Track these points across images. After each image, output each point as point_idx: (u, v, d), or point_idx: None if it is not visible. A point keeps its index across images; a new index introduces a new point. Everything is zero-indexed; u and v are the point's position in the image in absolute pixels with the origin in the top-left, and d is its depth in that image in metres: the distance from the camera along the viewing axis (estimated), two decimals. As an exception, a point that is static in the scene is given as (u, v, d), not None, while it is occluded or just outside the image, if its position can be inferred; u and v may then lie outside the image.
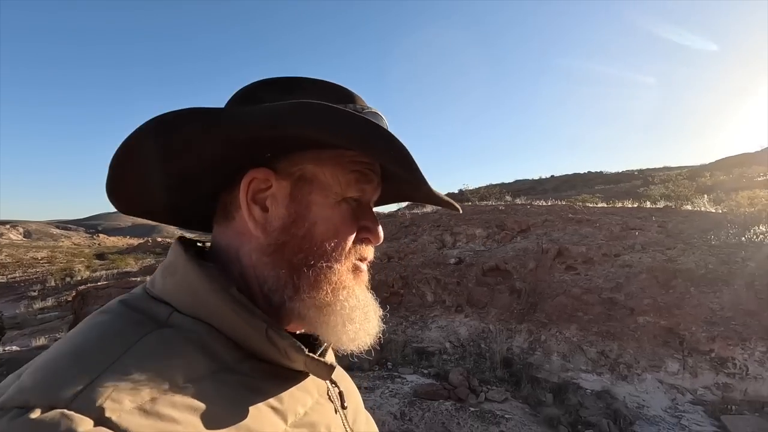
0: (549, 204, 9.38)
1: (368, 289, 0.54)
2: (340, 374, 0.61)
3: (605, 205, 10.25)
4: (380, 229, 0.54)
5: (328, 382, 0.54)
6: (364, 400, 0.65)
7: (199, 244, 0.55)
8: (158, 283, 0.47)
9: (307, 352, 0.46)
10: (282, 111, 0.43)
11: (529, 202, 10.46)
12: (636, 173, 51.63)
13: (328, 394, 0.54)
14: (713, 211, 8.51)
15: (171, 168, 0.48)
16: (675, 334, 4.79)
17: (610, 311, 5.34)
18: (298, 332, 0.53)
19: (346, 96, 0.52)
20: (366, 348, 0.51)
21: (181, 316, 0.43)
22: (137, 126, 0.43)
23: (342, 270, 0.50)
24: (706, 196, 10.62)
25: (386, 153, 0.45)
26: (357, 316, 0.50)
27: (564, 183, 53.34)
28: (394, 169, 0.47)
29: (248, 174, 0.48)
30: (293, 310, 0.48)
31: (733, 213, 7.90)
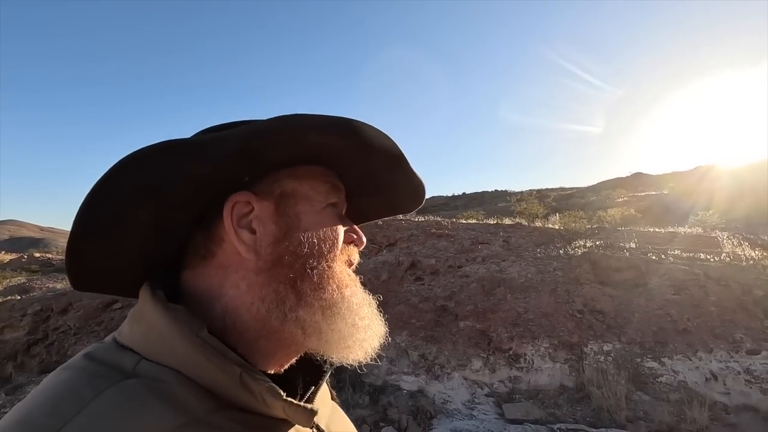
0: (419, 220, 10.08)
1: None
2: (335, 418, 0.57)
3: (476, 221, 11.26)
4: (361, 232, 0.54)
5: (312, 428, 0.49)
6: None
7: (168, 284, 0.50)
8: (125, 330, 0.44)
9: (284, 397, 0.41)
10: (267, 126, 0.43)
11: (406, 218, 11.13)
12: (534, 192, 57.10)
13: None
14: (553, 227, 9.79)
15: (142, 215, 0.44)
16: (486, 335, 5.44)
17: (439, 317, 5.91)
18: (283, 371, 0.50)
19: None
20: (374, 353, 0.49)
21: (149, 365, 0.40)
22: (96, 179, 0.40)
23: (342, 268, 0.49)
24: (558, 214, 12.15)
25: (375, 139, 0.47)
26: (365, 312, 0.49)
27: (473, 200, 57.14)
28: (380, 153, 0.50)
29: (229, 200, 0.46)
30: (296, 321, 0.45)
31: (565, 229, 9.17)
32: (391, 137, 0.48)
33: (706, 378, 4.59)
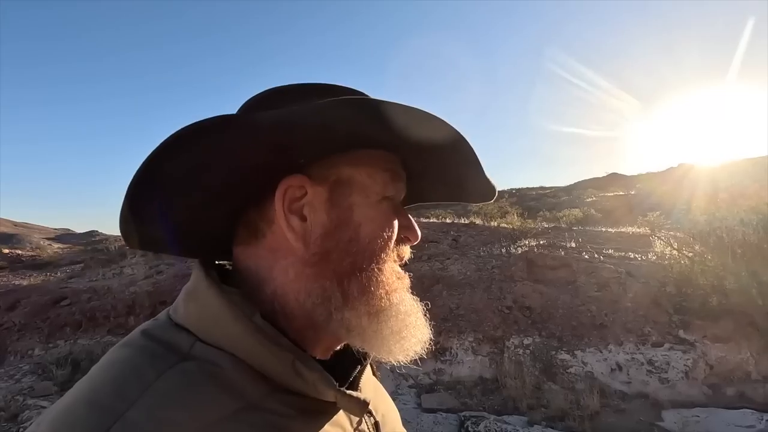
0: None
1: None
2: (378, 395, 0.57)
3: (435, 220, 11.55)
4: (417, 226, 0.51)
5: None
6: None
7: (222, 264, 0.52)
8: (180, 309, 0.44)
9: (337, 387, 0.42)
10: (329, 109, 0.40)
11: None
12: (514, 191, 58.18)
13: (361, 425, 0.49)
14: (507, 226, 10.14)
15: (196, 185, 0.44)
16: (417, 330, 5.72)
17: (377, 313, 6.16)
18: (330, 356, 0.49)
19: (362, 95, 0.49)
20: (415, 357, 0.48)
21: (204, 347, 0.40)
22: (155, 146, 0.39)
23: (390, 273, 0.47)
24: (515, 214, 12.55)
25: (450, 139, 0.45)
26: (411, 321, 0.47)
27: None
28: (453, 154, 0.48)
29: (282, 182, 0.45)
30: (341, 322, 0.44)
31: (516, 228, 9.51)
32: (468, 141, 0.46)
33: (612, 369, 4.94)
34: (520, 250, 7.64)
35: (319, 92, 0.47)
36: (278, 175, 0.45)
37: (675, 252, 6.25)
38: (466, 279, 6.71)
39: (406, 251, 0.51)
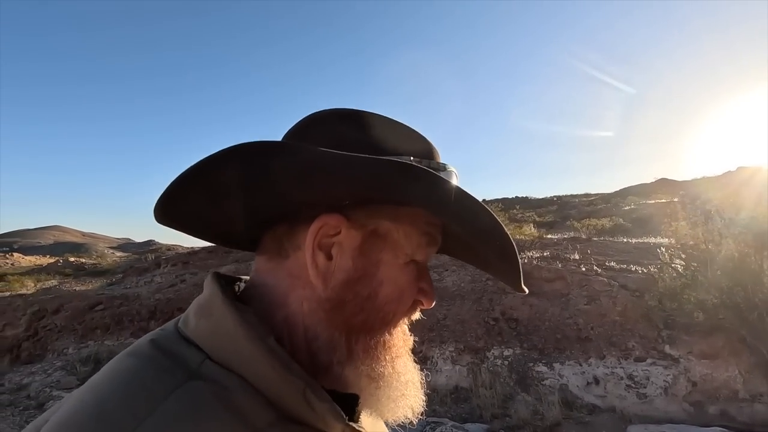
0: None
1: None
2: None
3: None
4: (434, 292, 0.51)
5: None
6: None
7: (236, 280, 0.51)
8: (191, 323, 0.43)
9: (347, 421, 0.41)
10: (387, 173, 0.40)
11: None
12: (555, 199, 56.29)
13: None
14: (520, 238, 10.11)
15: (244, 200, 0.45)
16: (403, 339, 5.97)
17: (368, 322, 6.47)
18: (336, 389, 0.47)
19: (427, 148, 0.49)
20: (400, 422, 0.48)
21: (214, 366, 0.39)
22: (219, 149, 0.40)
23: (399, 336, 0.47)
24: (533, 225, 12.42)
25: (496, 244, 0.45)
26: (410, 390, 0.47)
27: (491, 206, 56.53)
28: (490, 257, 0.49)
29: (320, 218, 0.44)
30: (340, 376, 0.45)
31: (529, 239, 9.48)
32: (510, 238, 0.45)
33: (588, 382, 4.95)
34: (521, 262, 7.67)
35: (382, 128, 0.47)
36: (319, 209, 0.44)
37: (667, 264, 6.08)
38: (459, 290, 6.87)
39: (416, 314, 0.51)
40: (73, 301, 8.27)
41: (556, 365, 5.19)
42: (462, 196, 0.42)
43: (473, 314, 6.21)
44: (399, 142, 0.47)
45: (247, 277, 0.52)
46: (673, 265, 5.56)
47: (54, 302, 8.42)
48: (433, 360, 5.55)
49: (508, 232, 0.44)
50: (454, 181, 0.46)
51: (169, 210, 0.46)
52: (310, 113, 0.49)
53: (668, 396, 4.70)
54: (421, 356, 5.81)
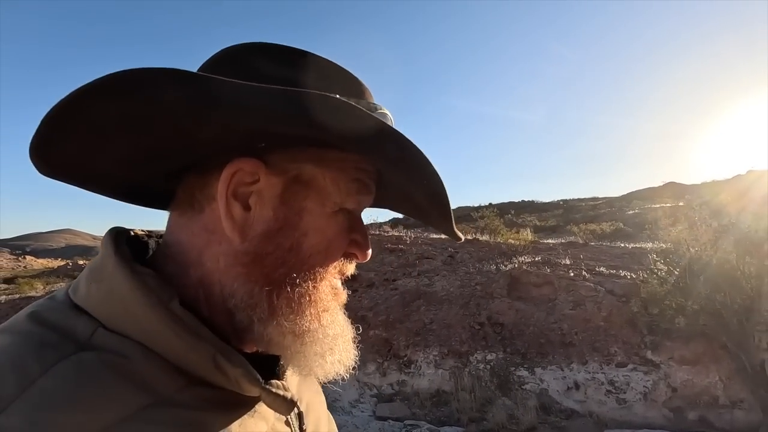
0: (381, 234, 10.73)
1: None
2: (303, 382, 0.53)
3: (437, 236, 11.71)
4: (369, 244, 0.47)
5: None
6: None
7: (141, 235, 0.46)
8: (82, 289, 0.39)
9: (263, 384, 0.39)
10: (299, 103, 0.35)
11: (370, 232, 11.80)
12: (561, 203, 56.00)
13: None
14: (514, 243, 10.12)
15: (136, 140, 0.39)
16: (388, 343, 6.03)
17: (355, 326, 6.55)
18: (253, 351, 0.44)
19: (357, 87, 0.45)
20: (335, 378, 0.45)
21: (108, 334, 0.35)
22: (98, 77, 0.32)
23: (326, 290, 0.44)
24: (528, 229, 12.41)
25: (423, 183, 0.41)
26: (338, 345, 0.45)
27: (498, 210, 56.56)
28: (422, 200, 0.45)
29: (233, 163, 0.39)
30: (262, 334, 0.41)
31: (522, 244, 9.50)
32: (443, 183, 0.41)
33: (568, 387, 4.98)
34: (510, 267, 7.71)
35: (305, 66, 0.42)
36: (230, 152, 0.40)
37: (651, 270, 6.08)
38: (448, 295, 6.93)
39: (350, 267, 0.47)
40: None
41: (538, 370, 5.23)
42: (388, 132, 0.38)
43: (459, 318, 6.26)
44: (323, 79, 0.43)
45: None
46: (656, 271, 5.57)
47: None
48: (417, 364, 5.61)
49: (439, 173, 0.40)
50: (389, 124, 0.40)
51: (49, 154, 0.39)
52: (227, 47, 0.44)
53: (647, 401, 4.72)
54: (405, 360, 5.90)
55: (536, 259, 8.18)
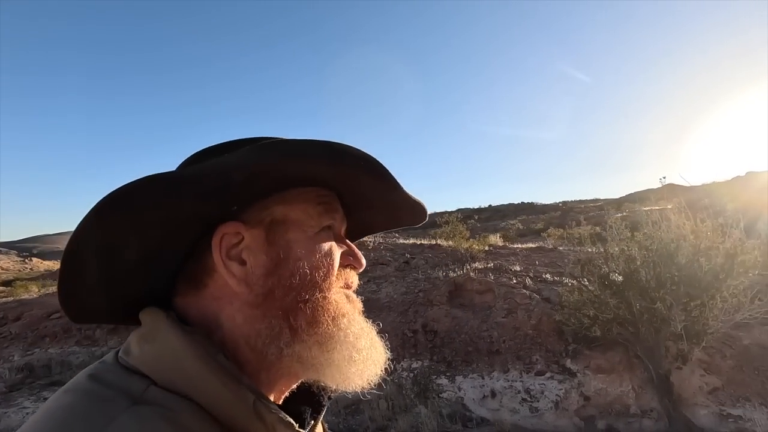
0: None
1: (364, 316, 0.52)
2: None
3: (414, 241, 11.78)
4: (361, 254, 0.53)
5: None
6: None
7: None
8: (134, 351, 0.43)
9: (296, 428, 0.42)
10: (250, 155, 0.43)
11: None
12: (560, 204, 55.69)
13: None
14: (477, 247, 10.16)
15: (128, 253, 0.44)
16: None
17: (295, 333, 6.63)
18: (285, 397, 0.50)
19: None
20: (375, 381, 0.50)
21: (159, 391, 0.39)
22: (79, 221, 0.39)
23: (337, 298, 0.48)
24: (495, 235, 12.42)
25: (358, 163, 0.45)
26: (363, 343, 0.48)
27: (496, 212, 56.49)
28: (368, 179, 0.48)
29: (217, 231, 0.46)
30: (292, 356, 0.45)
31: (471, 250, 9.53)
32: (379, 161, 0.46)
33: (484, 395, 5.02)
34: (459, 273, 7.76)
35: (245, 143, 0.48)
36: (212, 225, 0.46)
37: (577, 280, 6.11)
38: (390, 302, 6.99)
39: (353, 277, 0.53)
40: (34, 309, 8.64)
41: (458, 378, 5.27)
42: (312, 143, 0.44)
43: (395, 326, 6.32)
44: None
45: None
46: (572, 282, 5.60)
47: (17, 310, 8.80)
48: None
49: (369, 153, 0.45)
50: None
51: (71, 309, 0.47)
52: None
53: (559, 410, 4.75)
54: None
55: (488, 265, 8.21)
